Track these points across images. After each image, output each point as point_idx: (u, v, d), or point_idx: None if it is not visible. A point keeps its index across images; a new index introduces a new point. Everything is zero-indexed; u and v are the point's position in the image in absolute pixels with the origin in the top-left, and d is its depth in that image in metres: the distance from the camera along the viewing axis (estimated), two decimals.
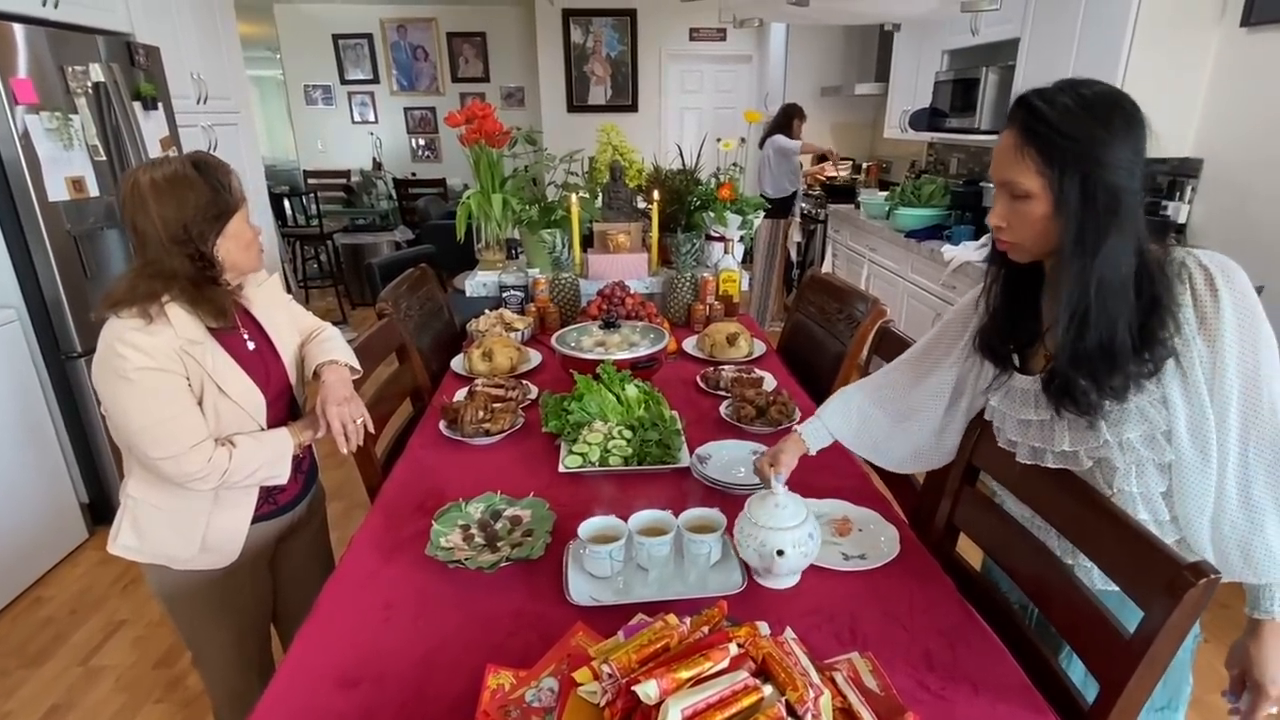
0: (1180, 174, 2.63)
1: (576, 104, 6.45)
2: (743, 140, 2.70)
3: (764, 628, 0.94)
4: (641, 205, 2.66)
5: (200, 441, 1.16)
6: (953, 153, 4.29)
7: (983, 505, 1.22)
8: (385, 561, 1.18)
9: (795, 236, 4.94)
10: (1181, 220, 2.59)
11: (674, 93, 6.49)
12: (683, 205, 2.56)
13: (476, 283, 2.56)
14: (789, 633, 0.94)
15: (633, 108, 6.46)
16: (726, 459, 1.49)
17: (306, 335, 1.43)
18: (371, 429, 1.39)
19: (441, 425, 1.63)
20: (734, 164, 2.64)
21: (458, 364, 2.04)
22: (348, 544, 1.24)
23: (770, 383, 1.88)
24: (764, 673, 0.84)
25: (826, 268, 4.47)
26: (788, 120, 4.55)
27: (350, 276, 5.72)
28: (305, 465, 1.45)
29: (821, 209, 4.76)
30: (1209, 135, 2.50)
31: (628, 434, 1.50)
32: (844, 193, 4.81)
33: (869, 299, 1.93)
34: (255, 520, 1.32)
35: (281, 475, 1.28)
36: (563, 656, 0.95)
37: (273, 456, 1.26)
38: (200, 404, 1.18)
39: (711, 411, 1.74)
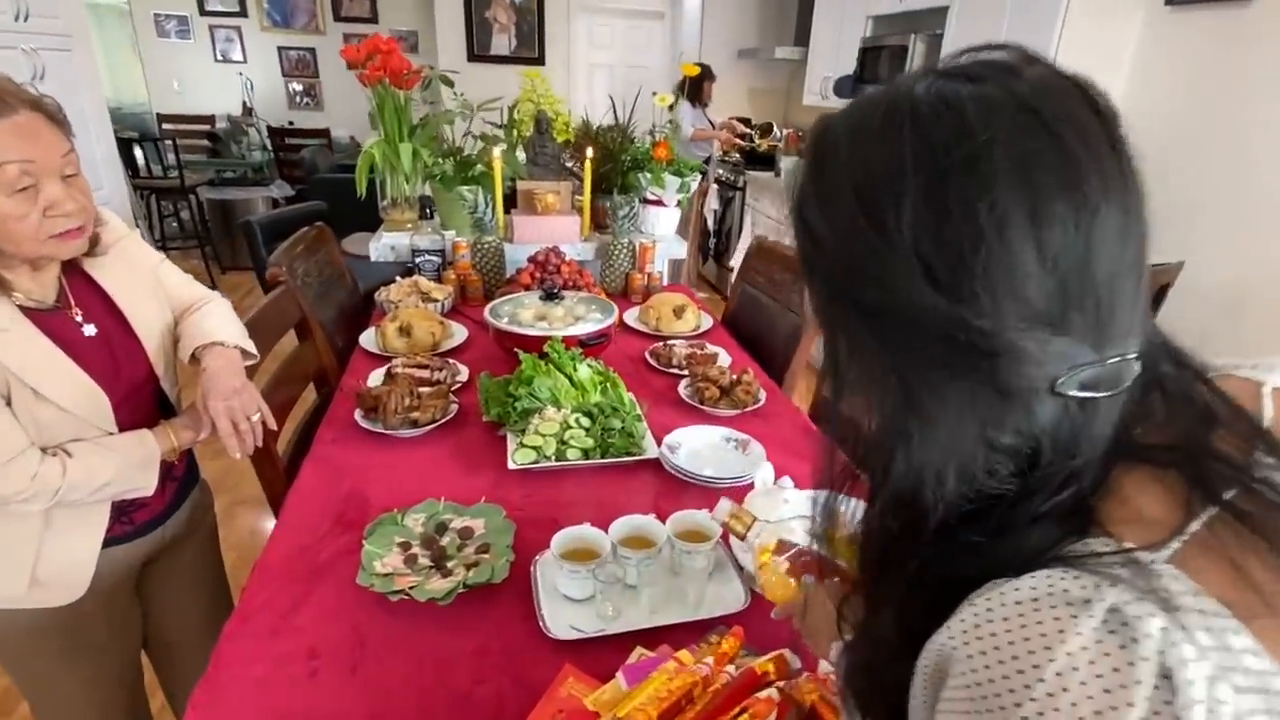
0: None
1: (478, 53, 5.96)
2: (677, 100, 2.50)
3: (795, 660, 0.80)
4: (570, 163, 2.42)
5: (16, 455, 0.87)
6: None
7: None
8: (303, 595, 0.94)
9: (712, 204, 4.82)
10: None
11: (583, 47, 6.14)
12: (616, 165, 2.35)
13: (383, 245, 2.24)
14: (824, 666, 0.80)
15: (539, 60, 6.05)
16: (698, 445, 1.34)
17: (183, 309, 1.13)
18: (272, 425, 1.12)
19: (358, 415, 1.37)
20: (670, 121, 2.45)
21: (368, 340, 1.76)
22: (250, 574, 0.98)
23: (725, 359, 1.73)
24: None
25: (746, 237, 4.38)
26: (697, 84, 4.40)
27: (219, 236, 5.05)
28: (178, 472, 1.15)
29: (739, 175, 4.65)
30: (1131, 107, 2.56)
31: (586, 422, 1.30)
32: (763, 160, 4.72)
33: None
34: (107, 544, 1.03)
35: (145, 487, 1.00)
36: (555, 712, 0.76)
37: (127, 464, 0.97)
38: (11, 409, 0.88)
39: (669, 392, 1.58)
